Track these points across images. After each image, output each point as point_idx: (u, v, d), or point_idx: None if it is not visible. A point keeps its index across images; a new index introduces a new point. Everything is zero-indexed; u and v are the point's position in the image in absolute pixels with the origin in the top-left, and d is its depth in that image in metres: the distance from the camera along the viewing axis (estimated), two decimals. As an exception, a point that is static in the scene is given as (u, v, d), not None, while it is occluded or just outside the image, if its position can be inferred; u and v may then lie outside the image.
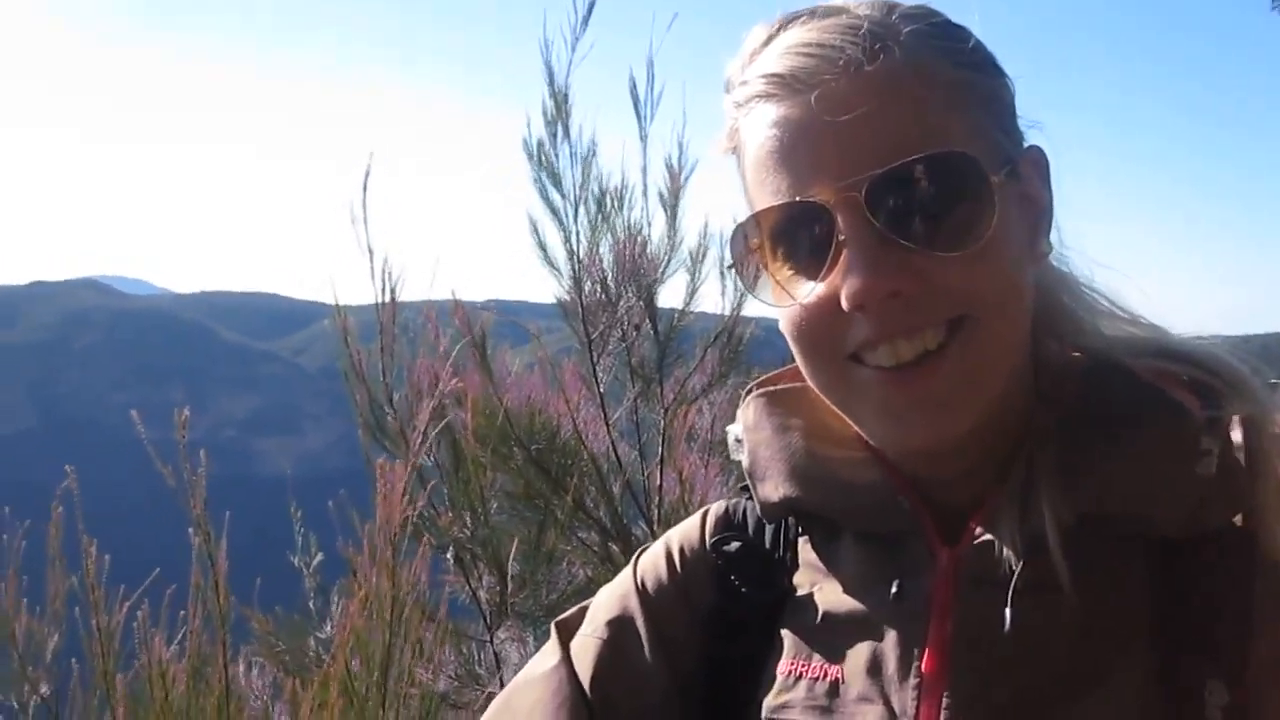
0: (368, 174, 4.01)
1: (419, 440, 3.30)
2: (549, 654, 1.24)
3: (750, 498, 1.22)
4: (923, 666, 1.01)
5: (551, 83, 5.08)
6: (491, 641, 4.30)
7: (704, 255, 5.69)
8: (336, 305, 4.17)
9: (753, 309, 5.81)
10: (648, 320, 5.50)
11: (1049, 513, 0.97)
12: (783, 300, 1.02)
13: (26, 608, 3.80)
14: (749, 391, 1.22)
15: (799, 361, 1.07)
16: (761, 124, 1.02)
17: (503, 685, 4.67)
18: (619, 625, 1.21)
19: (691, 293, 5.64)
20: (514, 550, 4.09)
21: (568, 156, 5.10)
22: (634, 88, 5.38)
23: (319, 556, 4.94)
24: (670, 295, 5.73)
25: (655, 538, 1.24)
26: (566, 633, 1.25)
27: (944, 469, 1.05)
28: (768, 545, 1.20)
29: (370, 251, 4.08)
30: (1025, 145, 1.05)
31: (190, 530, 2.86)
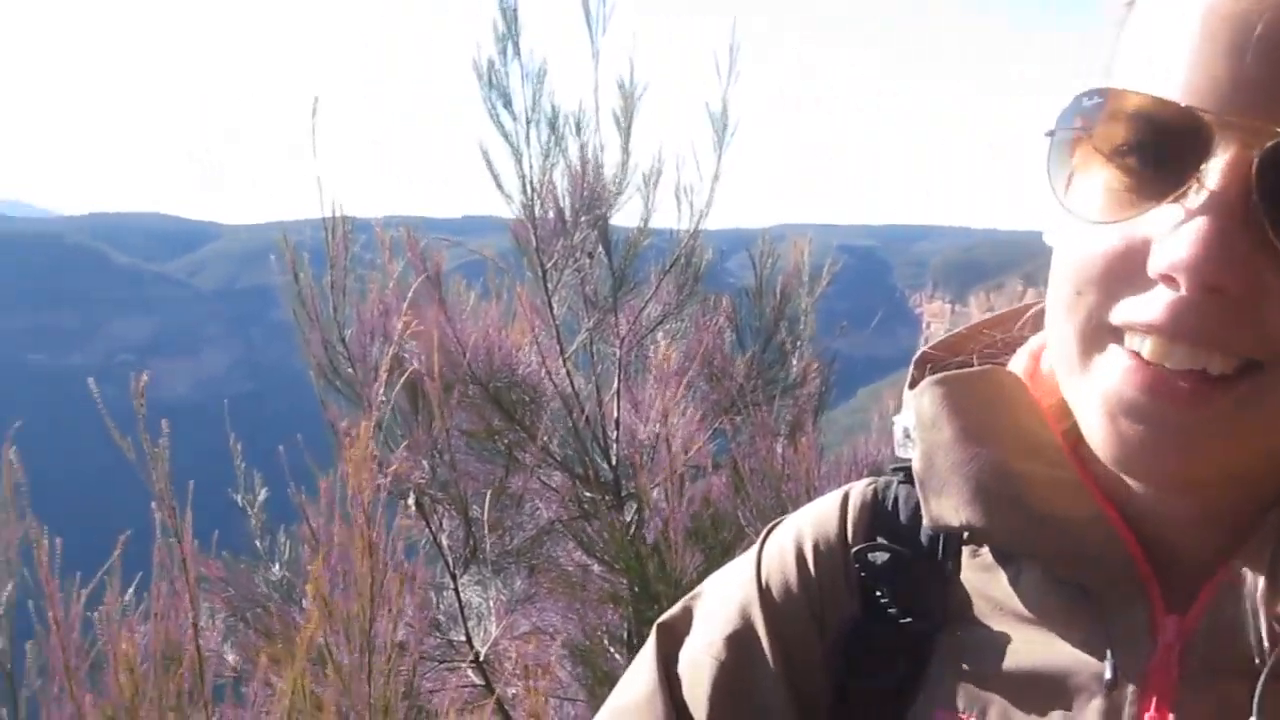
0: (316, 104, 3.68)
1: (379, 390, 3.06)
2: (646, 672, 1.02)
3: (903, 481, 0.99)
4: None
5: (501, -3, 4.77)
6: (456, 589, 4.12)
7: (658, 180, 5.48)
8: (284, 238, 3.87)
9: (711, 224, 5.62)
10: (601, 249, 5.28)
11: None
12: (1092, 212, 0.77)
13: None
14: (919, 366, 0.99)
15: (1052, 294, 0.83)
16: None
17: (468, 634, 4.51)
18: (740, 645, 0.99)
19: (646, 219, 5.44)
20: (487, 496, 3.90)
21: (519, 77, 4.83)
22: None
23: (264, 493, 4.75)
24: (622, 219, 5.53)
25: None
26: (670, 639, 1.03)
27: (1170, 507, 0.84)
28: (924, 547, 0.97)
29: (320, 185, 3.77)
30: None
31: (153, 505, 2.60)
